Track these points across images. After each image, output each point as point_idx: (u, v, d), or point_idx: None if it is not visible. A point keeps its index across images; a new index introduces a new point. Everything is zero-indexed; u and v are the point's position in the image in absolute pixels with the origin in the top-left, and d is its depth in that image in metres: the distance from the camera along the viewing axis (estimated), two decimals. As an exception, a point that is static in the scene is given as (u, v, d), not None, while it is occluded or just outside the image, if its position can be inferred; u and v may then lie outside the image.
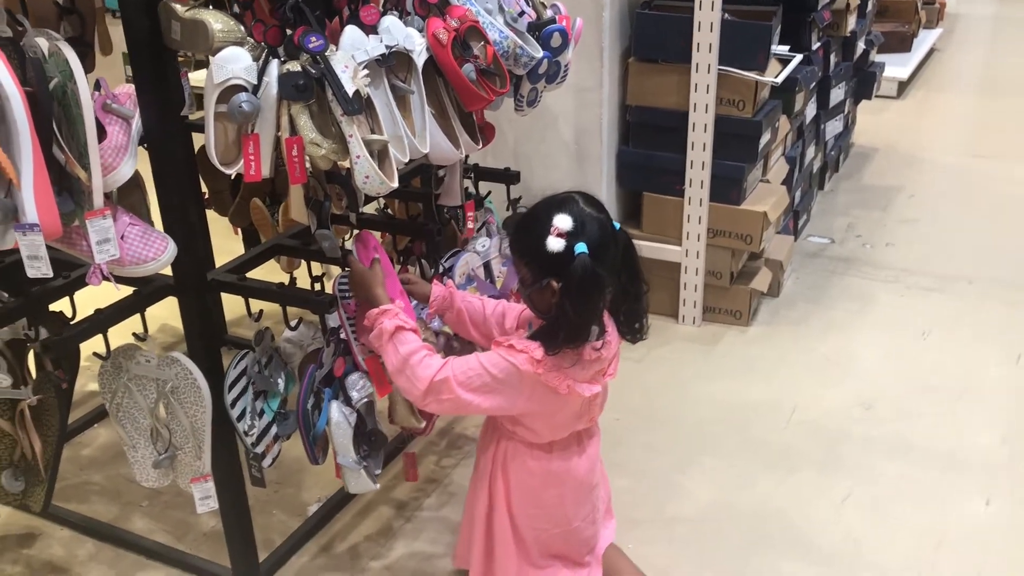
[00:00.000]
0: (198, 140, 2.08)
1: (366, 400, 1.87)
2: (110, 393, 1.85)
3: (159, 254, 1.63)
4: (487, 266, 2.25)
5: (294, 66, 1.53)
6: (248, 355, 1.84)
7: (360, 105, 1.55)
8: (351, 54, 1.59)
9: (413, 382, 1.66)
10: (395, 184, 1.59)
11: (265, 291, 1.79)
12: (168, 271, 1.70)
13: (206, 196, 2.68)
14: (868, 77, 4.27)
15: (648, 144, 2.99)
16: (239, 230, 2.86)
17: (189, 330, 1.81)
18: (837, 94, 3.80)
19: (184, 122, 1.69)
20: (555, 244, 1.57)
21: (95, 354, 1.78)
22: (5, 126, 1.36)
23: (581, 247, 1.56)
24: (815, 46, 3.37)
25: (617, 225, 1.67)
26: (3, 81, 1.33)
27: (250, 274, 1.88)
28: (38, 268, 1.43)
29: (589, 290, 1.58)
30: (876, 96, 4.50)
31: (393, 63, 1.69)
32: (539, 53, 1.98)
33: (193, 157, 2.37)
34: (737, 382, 2.81)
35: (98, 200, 1.51)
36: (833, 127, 3.93)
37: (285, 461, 2.01)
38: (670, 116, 2.89)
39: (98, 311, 1.71)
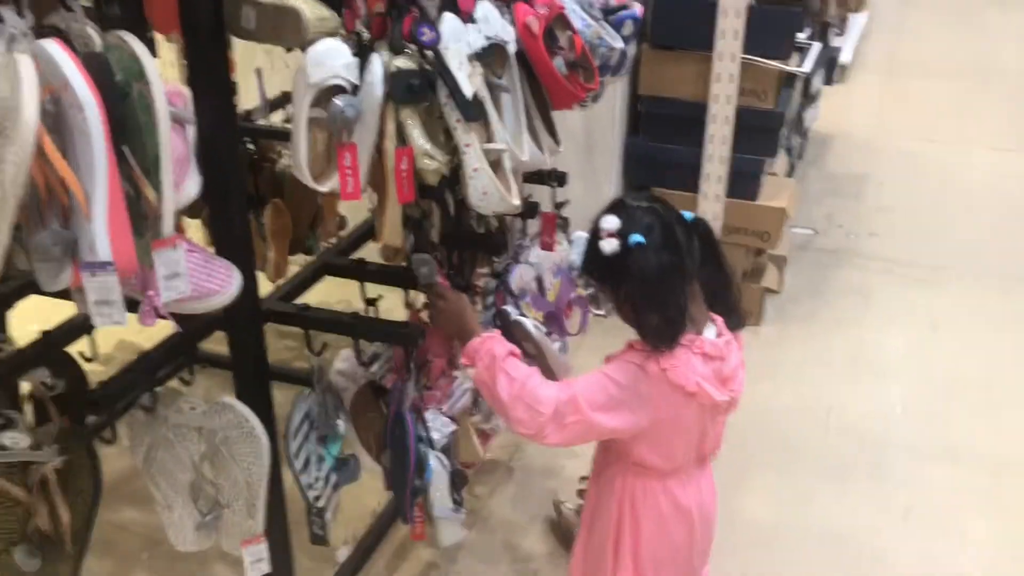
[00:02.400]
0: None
1: (445, 441, 1.64)
2: (143, 447, 1.55)
3: (225, 286, 1.35)
4: (539, 279, 2.03)
5: (403, 62, 1.28)
6: (310, 396, 1.58)
7: (479, 109, 1.31)
8: (458, 48, 1.35)
9: (535, 408, 1.45)
10: (517, 202, 1.36)
11: (335, 323, 1.53)
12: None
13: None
14: (831, 63, 4.22)
15: (660, 136, 2.83)
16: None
17: (241, 369, 1.53)
18: (817, 82, 3.72)
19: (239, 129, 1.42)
20: (608, 246, 1.43)
21: (142, 406, 1.49)
22: (75, 140, 1.07)
23: (635, 238, 1.42)
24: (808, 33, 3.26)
25: (689, 215, 1.53)
26: (76, 85, 1.04)
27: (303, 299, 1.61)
28: (109, 316, 1.14)
29: (654, 278, 1.43)
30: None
31: (492, 57, 1.46)
32: (619, 44, 1.78)
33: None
34: (765, 385, 2.69)
35: (168, 226, 1.22)
36: (811, 115, 3.86)
37: (296, 498, 1.75)
38: (687, 107, 2.73)
39: (144, 355, 1.42)
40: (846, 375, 2.74)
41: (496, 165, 1.38)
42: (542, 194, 2.13)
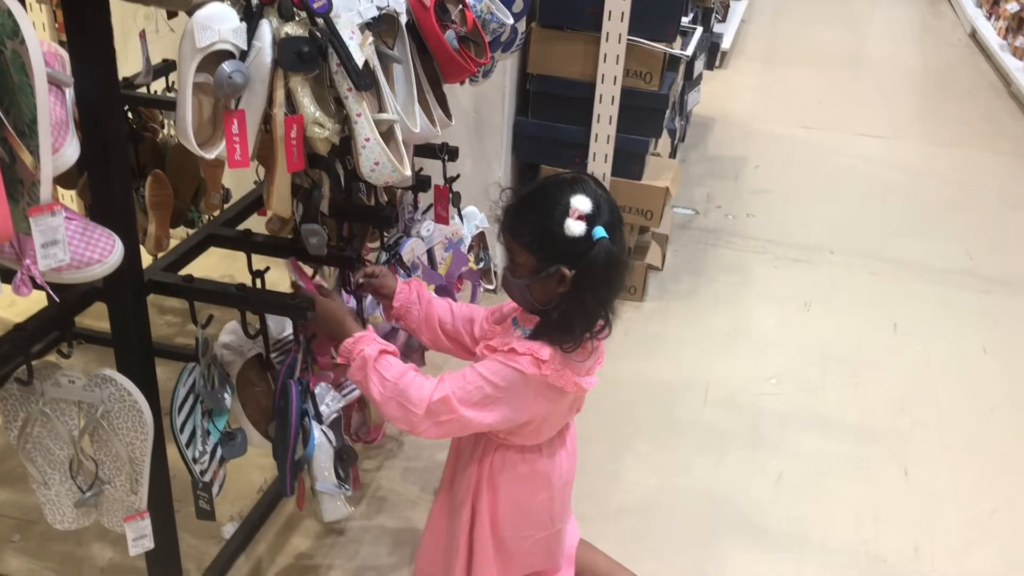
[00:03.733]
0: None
1: (335, 415, 1.64)
2: (17, 422, 1.49)
3: (105, 255, 1.31)
4: (429, 252, 2.04)
5: (293, 29, 1.27)
6: (195, 368, 1.55)
7: (370, 79, 1.31)
8: (350, 16, 1.34)
9: (407, 408, 1.46)
10: (408, 172, 1.37)
11: (221, 295, 1.50)
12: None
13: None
14: (713, 47, 4.35)
15: (549, 115, 2.86)
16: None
17: (122, 342, 1.49)
18: (699, 66, 3.83)
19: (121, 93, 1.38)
20: (576, 228, 1.42)
21: (17, 379, 1.43)
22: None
23: (600, 231, 1.43)
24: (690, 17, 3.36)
25: None
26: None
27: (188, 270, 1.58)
28: (-18, 284, 1.10)
29: (611, 276, 1.47)
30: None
31: (384, 27, 1.45)
32: (509, 19, 1.80)
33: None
34: (647, 361, 2.78)
35: (46, 191, 1.18)
36: (693, 98, 3.96)
37: (181, 473, 1.71)
38: (574, 86, 2.77)
39: (18, 327, 1.37)
40: (724, 350, 2.85)
41: (388, 136, 1.38)
42: (434, 168, 2.14)
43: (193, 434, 1.55)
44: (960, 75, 5.82)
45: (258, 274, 1.68)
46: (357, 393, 1.82)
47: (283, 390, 1.53)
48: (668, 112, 3.10)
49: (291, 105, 1.29)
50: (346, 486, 1.63)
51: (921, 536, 2.18)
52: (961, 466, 2.41)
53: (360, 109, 1.31)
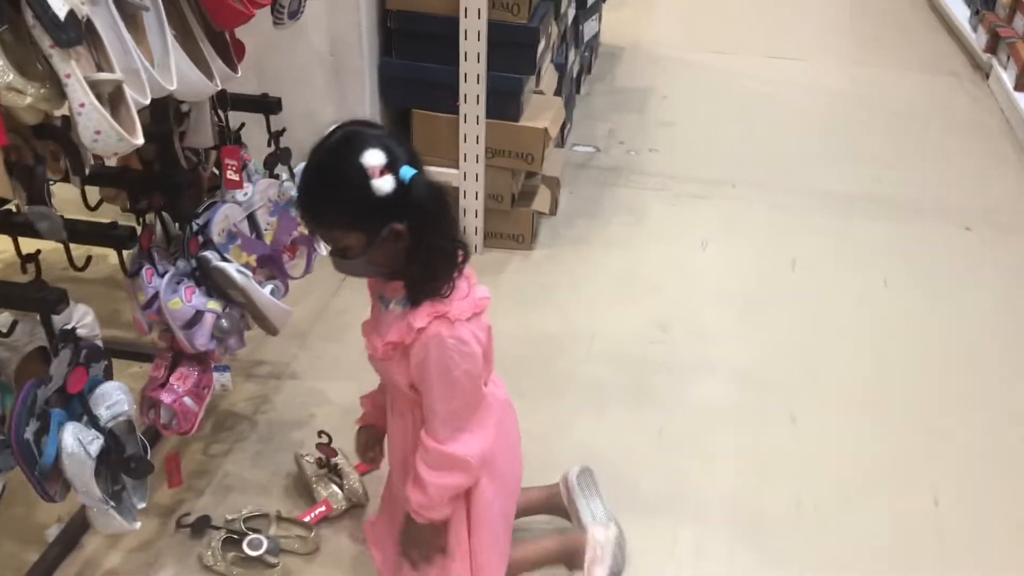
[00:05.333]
0: None
1: (123, 419, 1.46)
2: None
3: None
4: (251, 218, 1.85)
5: (-33, -26, 1.05)
6: (-56, 373, 1.36)
7: (78, 31, 1.10)
8: (53, -44, 1.12)
9: (462, 471, 1.51)
10: (140, 140, 1.17)
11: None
12: None
13: None
14: (615, -27, 4.13)
15: (415, 55, 2.65)
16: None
17: None
18: (591, -7, 3.61)
19: None
20: (385, 185, 1.31)
21: None
22: None
23: (408, 171, 1.33)
24: (575, -59, 3.14)
25: None
26: None
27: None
28: None
29: (441, 207, 1.39)
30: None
31: (121, -33, 1.24)
32: (302, -48, 1.58)
33: None
34: (531, 313, 2.62)
35: None
36: (590, 28, 3.76)
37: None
38: (438, 22, 2.55)
39: None
40: (612, 298, 2.70)
41: (117, 98, 1.18)
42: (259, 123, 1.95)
43: (-55, 445, 1.37)
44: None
45: (29, 258, 1.49)
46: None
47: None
48: (549, 45, 2.90)
49: (-19, 68, 1.08)
50: (123, 500, 1.45)
51: (804, 489, 2.06)
52: (851, 413, 2.30)
53: (68, 69, 1.10)
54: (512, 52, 2.61)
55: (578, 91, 3.99)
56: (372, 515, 1.85)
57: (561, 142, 3.46)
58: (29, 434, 1.35)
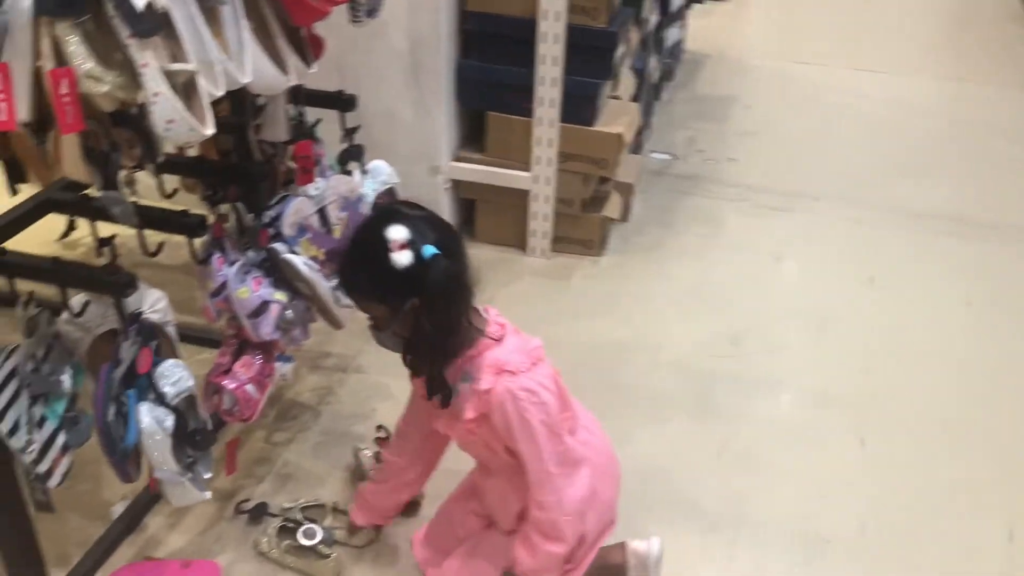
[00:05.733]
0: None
1: (185, 393, 1.49)
2: None
3: None
4: (322, 213, 1.87)
5: (53, -35, 1.09)
6: (17, 350, 1.41)
7: (155, 22, 1.13)
8: (136, -51, 1.15)
9: (570, 529, 1.57)
10: (211, 130, 1.20)
11: (34, 268, 1.35)
12: None
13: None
14: (701, -21, 4.08)
15: (491, 57, 2.65)
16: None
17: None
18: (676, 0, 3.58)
19: None
20: (402, 258, 1.39)
21: None
22: None
23: (430, 250, 1.41)
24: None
25: None
26: None
27: (15, 241, 1.43)
28: None
29: (457, 290, 1.46)
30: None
31: (200, -38, 1.27)
32: (380, -50, 1.60)
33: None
34: (597, 320, 2.60)
35: None
36: (673, 34, 3.72)
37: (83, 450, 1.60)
38: (516, 24, 2.55)
39: None
40: (682, 309, 2.66)
41: (190, 88, 1.21)
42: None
43: (18, 422, 1.41)
44: (983, 3, 5.44)
45: (104, 242, 1.53)
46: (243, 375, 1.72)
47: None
48: (629, 50, 2.88)
49: (62, 58, 1.12)
50: (195, 472, 1.49)
51: (869, 515, 2.00)
52: (924, 437, 2.22)
53: (145, 59, 1.13)
54: (589, 56, 2.60)
55: (658, 97, 3.95)
56: (421, 529, 1.85)
57: (638, 148, 3.42)
58: (111, 417, 1.39)
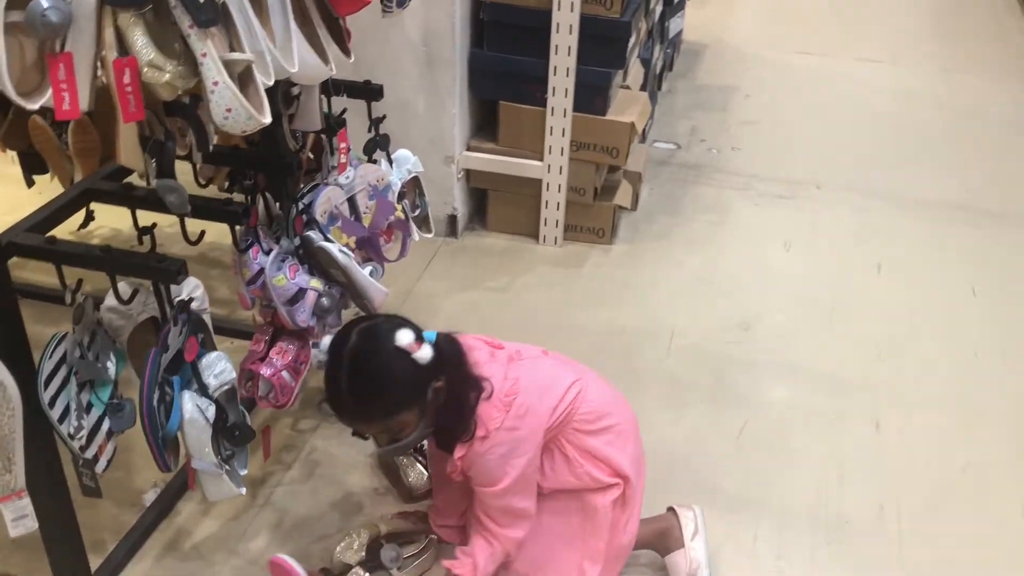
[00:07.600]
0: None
1: (227, 387, 1.51)
2: None
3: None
4: (351, 201, 1.89)
5: (118, -43, 1.10)
6: (66, 337, 1.42)
7: (215, 12, 1.15)
8: (193, -60, 1.17)
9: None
10: (268, 119, 1.21)
11: (84, 257, 1.37)
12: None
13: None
14: (701, -30, 4.10)
15: (505, 47, 2.67)
16: (15, 155, 2.30)
17: (-19, 311, 1.37)
18: (679, -11, 3.60)
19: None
20: (424, 353, 1.48)
21: None
22: None
23: (430, 334, 1.53)
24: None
25: None
26: None
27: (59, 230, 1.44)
28: None
29: (460, 353, 1.58)
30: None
31: (250, -46, 1.28)
32: (416, -58, 1.61)
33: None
34: (610, 307, 2.63)
35: None
36: (676, 24, 3.74)
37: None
38: (530, 15, 2.57)
39: None
40: (693, 295, 2.70)
41: (246, 78, 1.23)
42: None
43: (67, 408, 1.43)
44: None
45: (145, 231, 1.54)
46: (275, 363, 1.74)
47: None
48: (638, 40, 2.90)
49: (124, 46, 1.13)
50: (232, 465, 1.50)
51: (887, 495, 2.04)
52: (937, 420, 2.26)
53: (205, 48, 1.15)
54: (603, 46, 2.62)
55: (659, 87, 3.98)
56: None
57: (642, 138, 3.45)
58: (155, 401, 1.41)
